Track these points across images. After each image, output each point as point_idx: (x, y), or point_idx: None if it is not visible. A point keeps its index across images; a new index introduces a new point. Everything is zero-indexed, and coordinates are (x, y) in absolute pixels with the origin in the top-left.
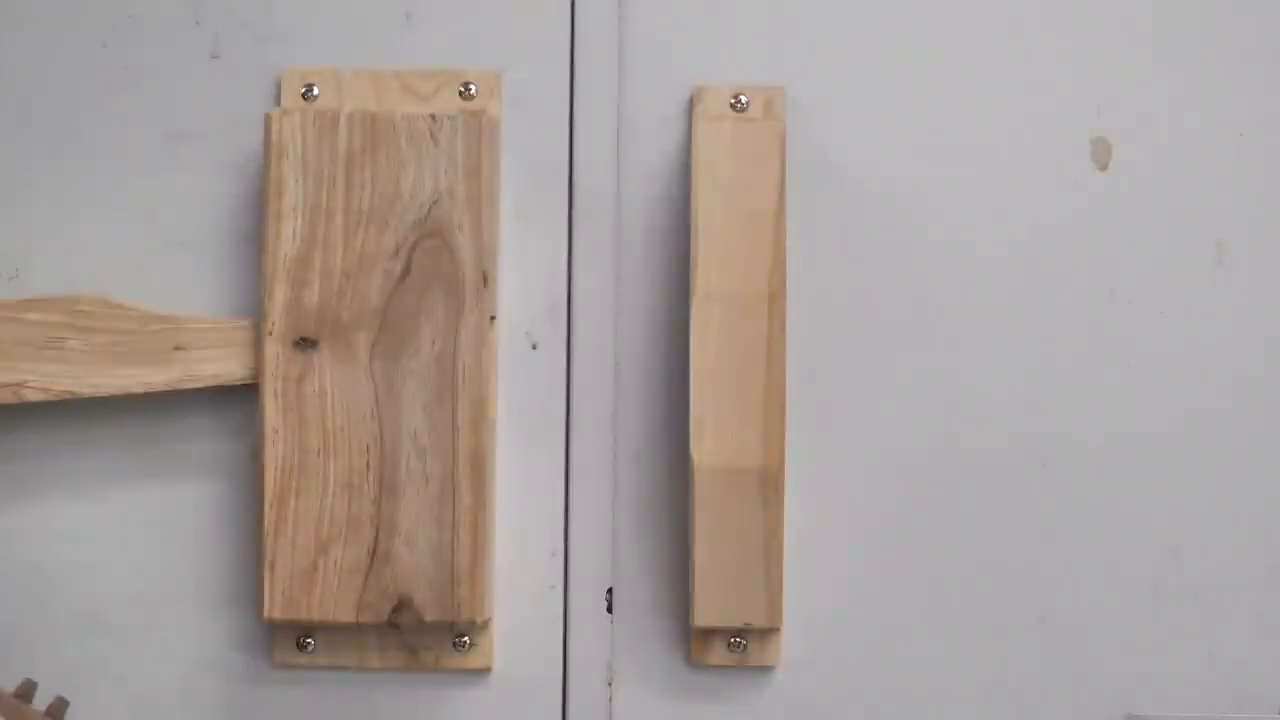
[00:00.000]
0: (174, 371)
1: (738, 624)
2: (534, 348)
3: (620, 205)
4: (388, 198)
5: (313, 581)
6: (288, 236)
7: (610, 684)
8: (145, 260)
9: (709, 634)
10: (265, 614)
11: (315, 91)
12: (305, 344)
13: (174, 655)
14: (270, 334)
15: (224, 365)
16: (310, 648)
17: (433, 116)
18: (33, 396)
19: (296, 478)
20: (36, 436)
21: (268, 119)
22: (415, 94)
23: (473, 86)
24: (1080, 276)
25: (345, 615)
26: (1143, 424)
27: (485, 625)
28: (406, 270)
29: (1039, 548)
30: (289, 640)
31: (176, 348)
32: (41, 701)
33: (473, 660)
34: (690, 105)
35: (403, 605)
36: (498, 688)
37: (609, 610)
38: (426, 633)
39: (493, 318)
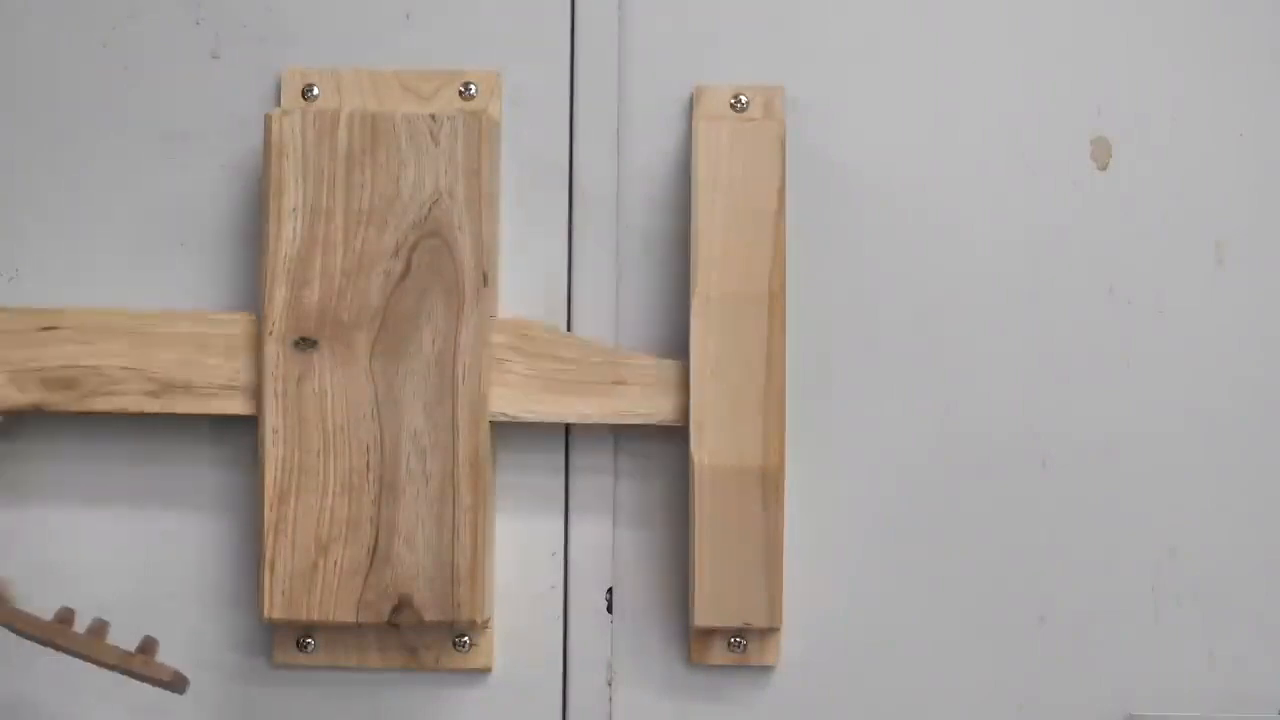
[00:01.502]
0: (614, 405)
1: (738, 624)
2: None
3: (620, 205)
4: (387, 198)
5: (313, 581)
6: (288, 236)
7: (610, 684)
8: (145, 260)
9: (709, 634)
10: (265, 614)
11: (315, 91)
12: (305, 344)
13: (174, 655)
14: (270, 334)
15: (657, 403)
16: (310, 648)
17: (433, 116)
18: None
19: (296, 478)
20: (43, 446)
21: (268, 119)
22: (415, 94)
23: (473, 86)
24: (1080, 276)
25: (345, 615)
26: (1142, 424)
27: (485, 625)
28: (406, 270)
29: (1039, 548)
30: (289, 640)
31: (616, 382)
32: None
33: (473, 660)
34: (690, 105)
35: (403, 605)
36: (498, 688)
37: (609, 610)
38: (426, 633)
39: (493, 317)
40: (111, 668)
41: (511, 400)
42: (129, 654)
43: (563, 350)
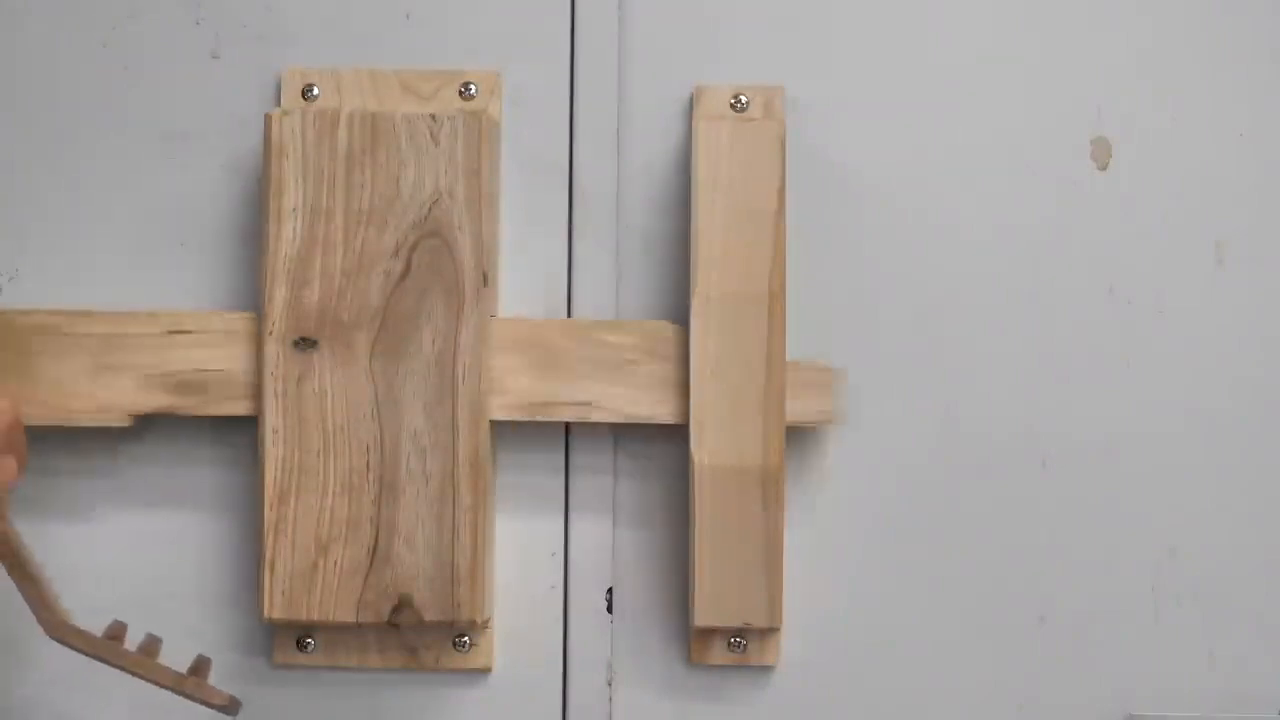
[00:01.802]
0: None
1: (738, 624)
2: None
3: (620, 205)
4: (387, 198)
5: (313, 581)
6: (288, 236)
7: (610, 684)
8: (145, 260)
9: (709, 634)
10: (265, 614)
11: (315, 91)
12: (305, 344)
13: (174, 655)
14: (270, 334)
15: (806, 405)
16: (310, 648)
17: (433, 116)
18: (597, 417)
19: (296, 478)
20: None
21: (268, 119)
22: (415, 94)
23: (473, 86)
24: (1080, 276)
25: (345, 615)
26: (1142, 424)
27: (485, 625)
28: (406, 270)
29: (1039, 548)
30: (289, 640)
31: None
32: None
33: (473, 660)
34: (690, 105)
35: (403, 605)
36: (498, 688)
37: (609, 610)
38: (426, 633)
39: (493, 317)
40: (165, 687)
41: (639, 403)
42: (182, 676)
43: None
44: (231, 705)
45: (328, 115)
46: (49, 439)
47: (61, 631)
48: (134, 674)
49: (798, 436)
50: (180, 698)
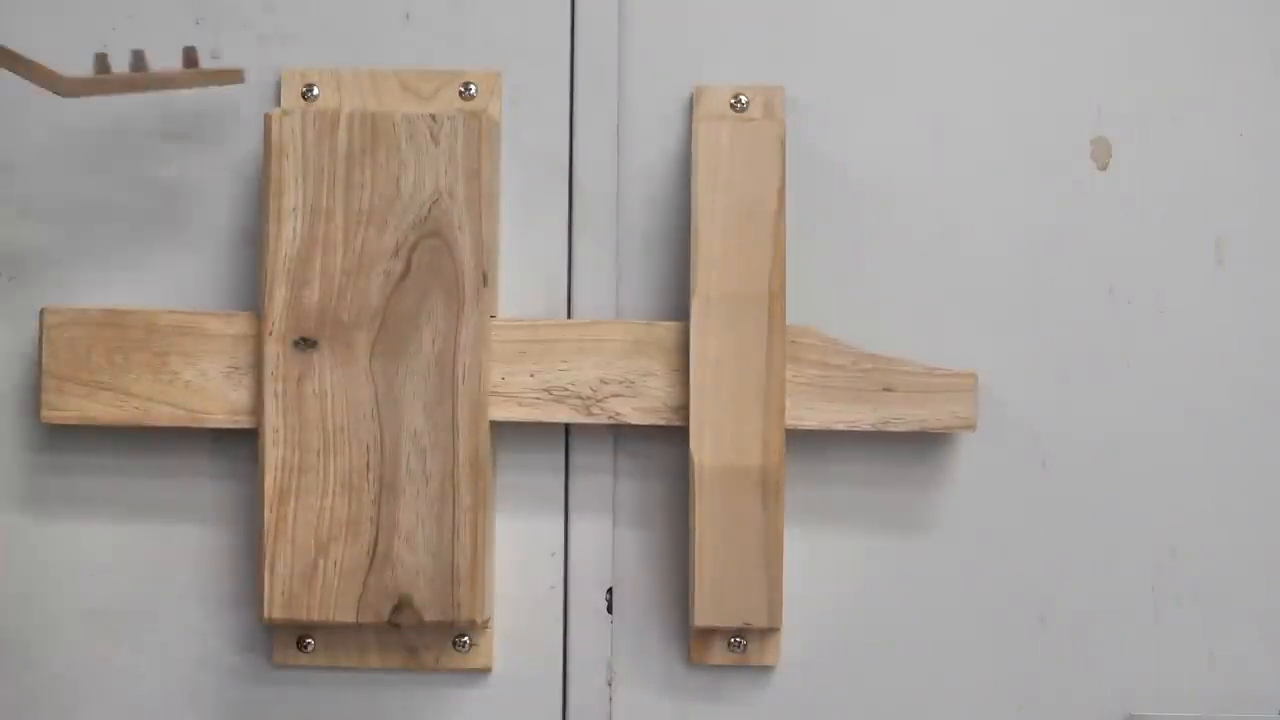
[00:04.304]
0: (882, 413)
1: (738, 624)
2: None
3: (620, 205)
4: (387, 198)
5: (313, 581)
6: (288, 236)
7: (610, 684)
8: (145, 260)
9: (709, 634)
10: (265, 614)
11: (315, 91)
12: (305, 344)
13: (174, 655)
14: (270, 334)
15: (933, 409)
16: (310, 648)
17: (433, 116)
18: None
19: (296, 478)
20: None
21: (268, 119)
22: (415, 94)
23: (473, 86)
24: (1079, 276)
25: (345, 615)
26: (1142, 424)
27: (485, 625)
28: (406, 270)
29: (1039, 548)
30: (289, 640)
31: (886, 389)
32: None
33: (473, 660)
34: (690, 105)
35: (403, 605)
36: (498, 688)
37: (609, 610)
38: (426, 633)
39: (493, 317)
40: (179, 87)
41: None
42: (180, 72)
43: (832, 358)
44: (236, 75)
45: (328, 115)
46: (59, 434)
47: (74, 88)
48: (150, 90)
49: (799, 437)
50: (178, 699)
